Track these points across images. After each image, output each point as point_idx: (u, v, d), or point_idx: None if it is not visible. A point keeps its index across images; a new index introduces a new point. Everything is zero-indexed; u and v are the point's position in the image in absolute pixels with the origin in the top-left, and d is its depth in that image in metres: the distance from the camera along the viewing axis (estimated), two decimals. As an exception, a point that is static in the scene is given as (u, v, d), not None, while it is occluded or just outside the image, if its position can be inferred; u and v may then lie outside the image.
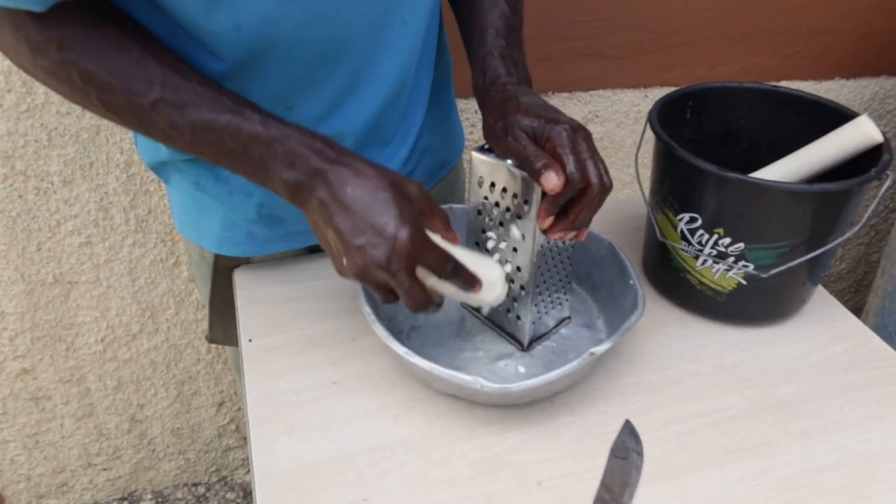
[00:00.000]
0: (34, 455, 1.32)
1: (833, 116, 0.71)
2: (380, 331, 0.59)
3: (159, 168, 0.73)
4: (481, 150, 0.61)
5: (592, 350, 0.57)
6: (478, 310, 0.71)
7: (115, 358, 1.26)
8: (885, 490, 0.56)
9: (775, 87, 0.75)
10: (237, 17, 0.55)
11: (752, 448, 0.59)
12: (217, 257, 0.77)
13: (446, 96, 0.79)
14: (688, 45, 1.15)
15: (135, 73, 0.52)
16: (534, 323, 0.65)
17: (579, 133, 0.56)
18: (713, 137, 0.77)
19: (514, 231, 0.61)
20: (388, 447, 0.59)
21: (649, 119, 0.69)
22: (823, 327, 0.71)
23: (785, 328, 0.71)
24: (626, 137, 1.22)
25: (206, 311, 0.86)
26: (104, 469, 1.39)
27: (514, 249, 0.62)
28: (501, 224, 0.62)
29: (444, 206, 0.73)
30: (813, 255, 0.64)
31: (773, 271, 0.65)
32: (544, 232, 0.59)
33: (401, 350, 0.57)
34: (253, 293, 0.75)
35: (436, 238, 0.56)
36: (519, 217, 0.60)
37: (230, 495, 1.47)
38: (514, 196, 0.60)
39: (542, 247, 0.61)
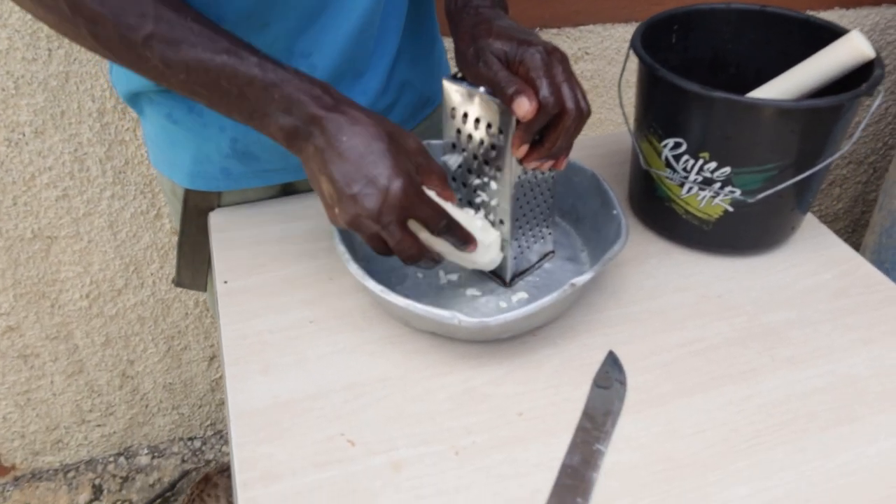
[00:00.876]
0: (27, 413, 1.31)
1: (825, 35, 0.68)
2: (354, 269, 0.57)
3: (132, 99, 0.71)
4: (453, 78, 0.58)
5: (573, 281, 0.56)
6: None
7: (102, 314, 1.24)
8: (871, 412, 0.55)
9: (763, 7, 0.72)
10: None
11: (737, 375, 0.58)
12: (188, 194, 0.75)
13: (427, 28, 0.76)
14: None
15: (126, 5, 0.49)
16: (515, 258, 0.64)
17: (554, 55, 0.53)
18: (700, 63, 0.74)
19: (490, 164, 0.59)
20: (366, 383, 0.57)
21: (632, 43, 0.66)
22: (813, 255, 0.70)
23: (773, 257, 0.69)
24: (616, 74, 1.19)
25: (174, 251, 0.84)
26: (98, 425, 1.39)
27: (492, 180, 0.60)
28: (476, 157, 0.60)
29: (423, 142, 0.71)
30: (801, 178, 0.62)
31: (761, 196, 0.62)
32: (520, 162, 0.57)
33: (377, 288, 0.55)
34: (228, 235, 0.73)
35: (431, 195, 0.55)
36: (494, 148, 0.58)
37: (226, 448, 1.47)
38: (489, 126, 0.57)
39: (519, 178, 0.59)
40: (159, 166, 0.76)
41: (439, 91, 0.81)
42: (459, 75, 0.58)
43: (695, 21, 0.72)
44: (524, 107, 0.51)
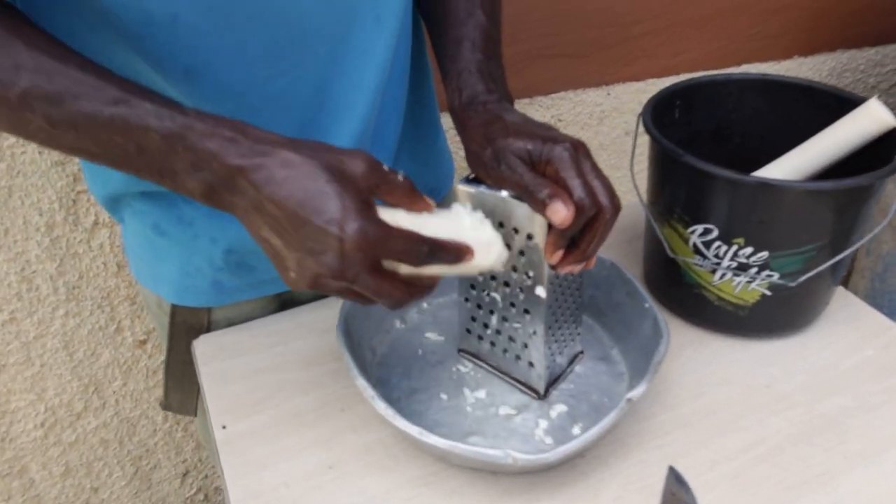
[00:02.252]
0: (-23, 563, 1.16)
1: (830, 101, 0.66)
2: (382, 408, 0.50)
3: (112, 205, 0.64)
4: (468, 181, 0.53)
5: (629, 396, 0.50)
6: (480, 358, 0.63)
7: (60, 442, 1.12)
8: (962, 510, 0.51)
9: (764, 76, 0.70)
10: (173, 5, 0.45)
11: (812, 480, 0.53)
12: (175, 310, 0.67)
13: (428, 116, 0.71)
14: (648, 36, 1.10)
15: None
16: (548, 367, 0.58)
17: (580, 151, 0.49)
18: (703, 135, 0.72)
19: (519, 271, 0.54)
20: (407, 540, 0.50)
21: (644, 123, 0.63)
22: (848, 328, 0.66)
23: (810, 335, 0.66)
24: (591, 139, 1.17)
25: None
26: (60, 565, 1.24)
27: (520, 290, 0.55)
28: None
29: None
30: (843, 256, 0.59)
31: (803, 278, 0.59)
32: (552, 268, 0.52)
33: (413, 430, 0.48)
34: (218, 368, 0.64)
35: (399, 215, 0.46)
36: (522, 254, 0.53)
37: (206, 570, 1.34)
38: (515, 231, 0.52)
39: (552, 283, 0.54)
40: (143, 280, 0.68)
41: (445, 181, 0.77)
42: (473, 177, 0.53)
43: (697, 95, 0.70)
44: (561, 213, 0.46)
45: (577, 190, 0.47)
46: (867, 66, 1.31)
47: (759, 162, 0.67)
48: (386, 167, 0.45)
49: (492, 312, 0.58)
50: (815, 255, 0.58)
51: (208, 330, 0.69)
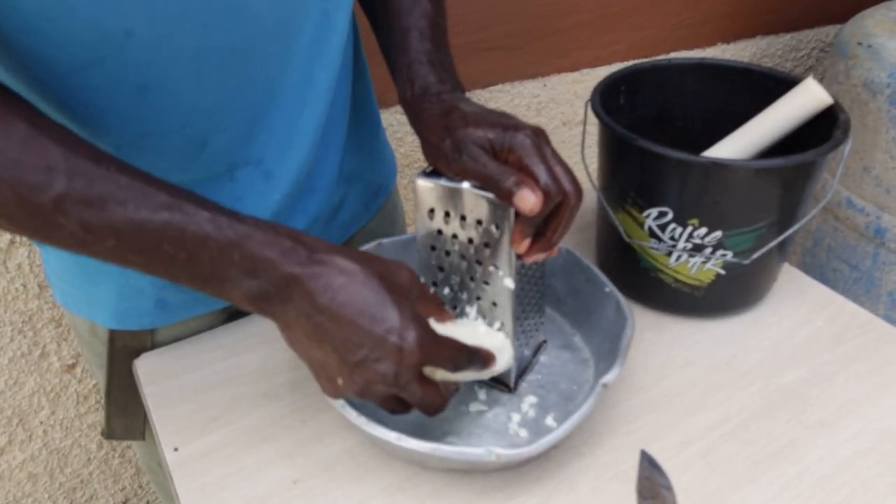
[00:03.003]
0: None
1: (767, 81, 0.68)
2: (353, 416, 0.48)
3: None
4: (426, 174, 0.51)
5: (604, 381, 0.50)
6: None
7: (-18, 481, 1.03)
8: (919, 469, 0.52)
9: (703, 60, 0.71)
10: (128, 19, 0.42)
11: (778, 453, 0.54)
12: (113, 335, 0.62)
13: (370, 111, 0.69)
14: (580, 27, 1.11)
15: (27, 158, 0.38)
16: (517, 359, 0.57)
17: (541, 137, 0.48)
18: (647, 120, 0.72)
19: (484, 263, 0.52)
20: (384, 551, 0.48)
21: (594, 110, 0.62)
22: (797, 302, 0.68)
23: (762, 311, 0.67)
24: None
25: (102, 400, 0.70)
26: None
27: (486, 283, 0.53)
28: (463, 257, 0.53)
29: (373, 243, 0.63)
30: (791, 231, 0.60)
31: (755, 255, 0.60)
32: (519, 257, 0.51)
33: (391, 436, 0.46)
34: (164, 387, 0.60)
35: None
36: (487, 246, 0.51)
37: None
38: (479, 223, 0.51)
39: (517, 274, 0.52)
40: (71, 306, 0.63)
41: (389, 177, 0.74)
42: (431, 170, 0.52)
43: (640, 80, 0.70)
44: (530, 200, 0.46)
45: (543, 176, 0.46)
46: (784, 50, 1.37)
47: (701, 144, 0.68)
48: (421, 279, 0.48)
49: (455, 308, 0.57)
50: (765, 232, 0.59)
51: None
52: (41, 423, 1.04)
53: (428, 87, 0.53)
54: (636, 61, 0.71)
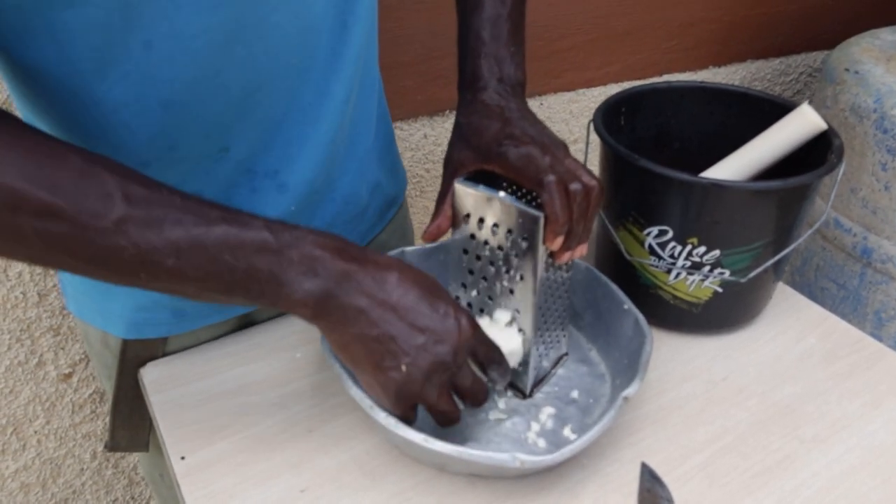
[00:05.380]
0: None
1: (764, 106, 0.70)
2: (382, 418, 0.49)
3: None
4: (466, 180, 0.54)
5: (625, 394, 0.51)
6: None
7: (-26, 491, 1.03)
8: (910, 483, 0.54)
9: (702, 84, 0.73)
10: (146, 31, 0.44)
11: (774, 466, 0.55)
12: (125, 346, 0.63)
13: (385, 122, 0.70)
14: (574, 49, 1.13)
15: (85, 189, 0.39)
16: (535, 368, 0.58)
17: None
18: (646, 141, 0.74)
19: (512, 271, 0.54)
20: (391, 560, 0.48)
21: (597, 129, 0.64)
22: (791, 320, 0.70)
23: (757, 328, 0.69)
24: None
25: (108, 412, 0.70)
26: None
27: (511, 291, 0.55)
28: (492, 263, 0.55)
29: (397, 251, 0.65)
30: (787, 251, 0.62)
31: (752, 274, 0.62)
32: (551, 255, 0.53)
33: (418, 438, 0.47)
34: (172, 396, 0.61)
35: None
36: (515, 255, 0.53)
37: None
38: (509, 232, 0.53)
39: (542, 284, 0.54)
40: (85, 317, 0.63)
41: (401, 189, 0.76)
42: (470, 177, 0.54)
43: (641, 102, 0.72)
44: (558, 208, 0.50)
45: (574, 184, 0.50)
46: (773, 75, 1.40)
47: (698, 166, 0.70)
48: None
49: (482, 311, 0.58)
50: (761, 251, 0.61)
51: None
52: (35, 432, 1.04)
53: (477, 80, 0.56)
54: (633, 83, 0.73)
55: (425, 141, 1.12)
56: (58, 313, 0.97)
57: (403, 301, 0.45)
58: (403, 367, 0.45)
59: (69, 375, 1.02)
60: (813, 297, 1.13)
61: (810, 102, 0.65)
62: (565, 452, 0.47)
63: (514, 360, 0.54)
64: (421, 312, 0.45)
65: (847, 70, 1.05)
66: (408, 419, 0.49)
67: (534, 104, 1.15)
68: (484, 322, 0.54)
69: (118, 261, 0.41)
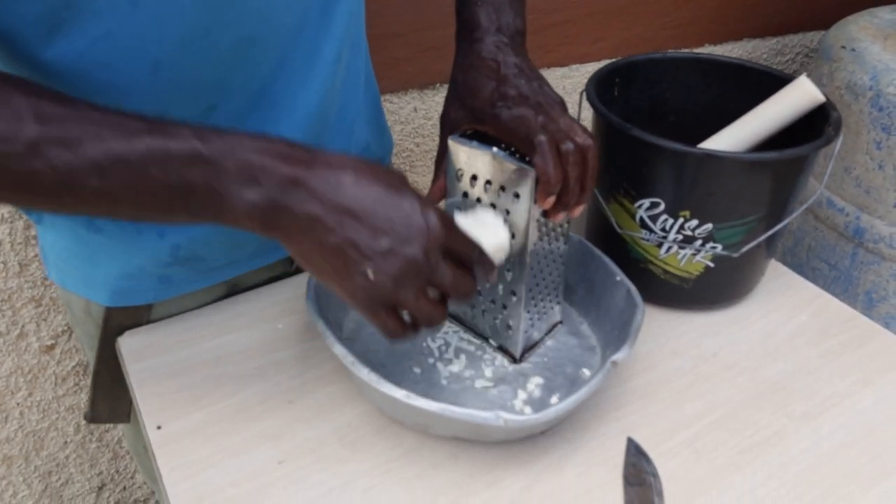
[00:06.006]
0: None
1: (761, 79, 0.68)
2: (365, 374, 0.48)
3: None
4: (462, 137, 0.53)
5: (614, 359, 0.50)
6: (459, 319, 0.62)
7: (-46, 462, 1.01)
8: (899, 460, 0.53)
9: (698, 54, 0.72)
10: None
11: (763, 442, 0.54)
12: (109, 314, 0.61)
13: (371, 83, 0.69)
14: (569, 23, 1.11)
15: None
16: (526, 332, 0.57)
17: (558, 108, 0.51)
18: (640, 113, 0.73)
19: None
20: (371, 532, 0.47)
21: (589, 100, 0.63)
22: (784, 297, 0.69)
23: (750, 304, 0.68)
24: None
25: (89, 382, 0.69)
26: None
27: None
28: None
29: None
30: (780, 226, 0.61)
31: (745, 249, 0.60)
32: (545, 214, 0.51)
33: (399, 394, 0.46)
34: (149, 365, 0.59)
35: None
36: (507, 212, 0.52)
37: (126, 589, 1.25)
38: (502, 189, 0.51)
39: (534, 245, 0.53)
40: (68, 284, 0.62)
41: (387, 151, 0.75)
42: (468, 133, 0.53)
43: (635, 72, 0.70)
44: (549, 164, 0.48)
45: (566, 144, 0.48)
46: (769, 54, 1.38)
47: (693, 140, 0.68)
48: None
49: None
50: (755, 226, 0.60)
51: None
52: (18, 404, 1.02)
53: (474, 30, 0.55)
54: (629, 56, 0.71)
55: (415, 115, 1.10)
56: (39, 284, 0.95)
57: (362, 202, 0.40)
58: (370, 274, 0.41)
59: (52, 347, 1.01)
60: (804, 277, 1.12)
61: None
62: (549, 413, 0.46)
63: (500, 256, 0.50)
64: (382, 213, 0.41)
65: (843, 48, 1.04)
66: (390, 330, 0.45)
67: (527, 78, 1.13)
68: (465, 220, 0.51)
69: (38, 185, 0.38)
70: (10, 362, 0.98)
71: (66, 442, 1.10)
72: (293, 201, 0.40)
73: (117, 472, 1.18)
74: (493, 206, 0.53)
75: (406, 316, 0.45)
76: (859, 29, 1.07)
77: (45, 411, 1.05)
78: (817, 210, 1.09)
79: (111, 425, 1.10)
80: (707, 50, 1.29)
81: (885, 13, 1.12)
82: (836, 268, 1.07)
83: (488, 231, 0.50)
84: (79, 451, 1.12)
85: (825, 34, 1.15)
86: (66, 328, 1.00)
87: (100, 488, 1.18)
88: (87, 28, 0.43)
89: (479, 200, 0.53)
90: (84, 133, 0.38)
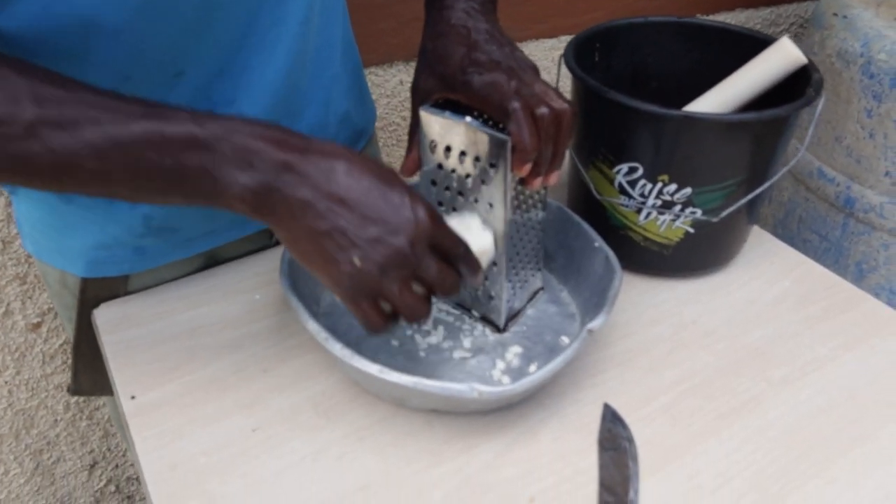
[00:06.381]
0: None
1: (744, 42, 0.67)
2: (338, 349, 0.47)
3: None
4: (433, 107, 0.51)
5: (589, 327, 0.50)
6: None
7: (-56, 441, 1.02)
8: (877, 424, 0.53)
9: (680, 19, 0.70)
10: None
11: (741, 407, 0.54)
12: (85, 284, 0.61)
13: (353, 51, 0.68)
14: (557, -7, 1.09)
15: None
16: (508, 301, 0.57)
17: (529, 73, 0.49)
18: (621, 80, 0.71)
19: (481, 200, 0.52)
20: (342, 498, 0.47)
21: (567, 64, 0.61)
22: (767, 264, 0.68)
23: (732, 272, 0.67)
24: (506, 98, 1.15)
25: (70, 355, 0.69)
26: (-47, 575, 1.13)
27: (482, 222, 0.53)
28: (461, 193, 0.53)
29: None
30: (761, 190, 0.60)
31: (724, 213, 0.60)
32: (522, 182, 0.51)
33: (373, 369, 0.46)
34: (124, 337, 0.59)
35: None
36: (483, 182, 0.51)
37: (122, 566, 1.26)
38: (477, 159, 0.50)
39: (513, 214, 0.53)
40: (43, 255, 0.61)
41: (370, 121, 0.74)
42: (439, 102, 0.52)
43: (615, 38, 0.69)
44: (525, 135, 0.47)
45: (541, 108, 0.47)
46: (763, 25, 1.36)
47: (676, 105, 0.67)
48: None
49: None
50: (734, 190, 0.59)
51: None
52: (6, 382, 1.02)
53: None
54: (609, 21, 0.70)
55: (401, 87, 1.09)
56: (23, 261, 0.94)
57: (353, 191, 0.41)
58: (356, 261, 0.42)
59: (38, 325, 1.01)
60: (795, 248, 1.12)
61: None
62: (524, 383, 0.46)
63: (485, 259, 0.51)
64: (372, 203, 0.41)
65: (835, 15, 1.02)
66: (371, 322, 0.45)
67: (514, 50, 1.12)
68: (452, 221, 0.51)
69: (37, 167, 0.39)
70: (-4, 340, 0.98)
71: (56, 420, 1.10)
72: (286, 186, 0.41)
73: (108, 449, 1.18)
74: (476, 200, 0.53)
75: (387, 307, 0.45)
76: (852, -4, 1.05)
77: (34, 389, 1.05)
78: (808, 181, 1.08)
79: (101, 403, 1.10)
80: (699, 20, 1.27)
81: (879, -20, 1.10)
82: (826, 238, 1.06)
83: (473, 234, 0.51)
84: (69, 430, 1.12)
85: (818, 2, 1.13)
86: (52, 306, 0.99)
87: (92, 466, 1.18)
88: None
89: (453, 171, 0.52)
90: (81, 116, 0.38)
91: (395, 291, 0.43)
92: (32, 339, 1.01)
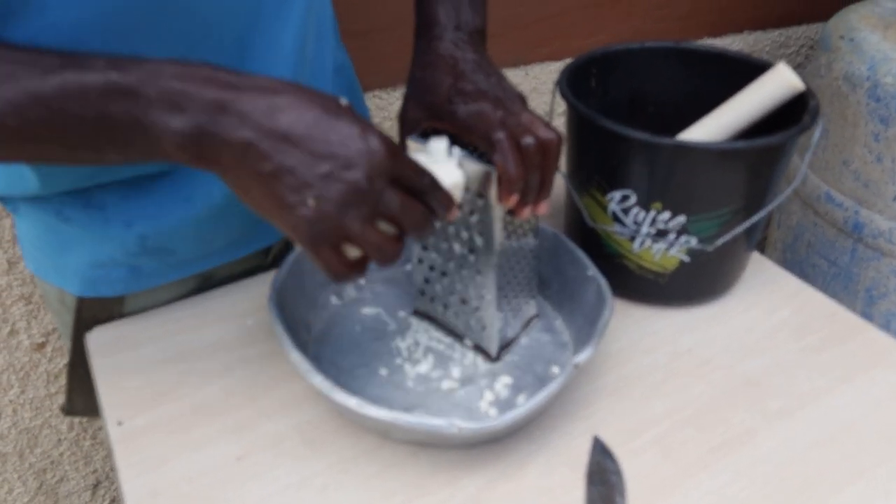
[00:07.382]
0: None
1: (741, 68, 0.66)
2: (318, 381, 0.47)
3: (4, 196, 0.58)
4: (421, 137, 0.51)
5: (576, 361, 0.49)
6: (435, 320, 0.61)
7: (-51, 459, 1.02)
8: (876, 462, 0.51)
9: (677, 44, 0.70)
10: None
11: (734, 440, 0.53)
12: (81, 304, 0.61)
13: (348, 72, 0.69)
14: (561, 16, 1.09)
15: None
16: (500, 329, 0.56)
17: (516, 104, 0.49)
18: (619, 105, 0.71)
19: (471, 230, 0.52)
20: (323, 530, 0.47)
21: (561, 91, 0.61)
22: (766, 292, 0.67)
23: (730, 300, 0.66)
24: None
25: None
26: None
27: (471, 251, 0.53)
28: (451, 224, 0.53)
29: None
30: (757, 218, 0.59)
31: (720, 241, 0.59)
32: (510, 213, 0.50)
33: (351, 402, 0.45)
34: (114, 361, 0.59)
35: None
36: (472, 213, 0.51)
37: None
38: (466, 190, 0.50)
39: (501, 244, 0.52)
40: (42, 274, 0.62)
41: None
42: (425, 133, 0.52)
43: (613, 63, 0.69)
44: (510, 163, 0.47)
45: (526, 139, 0.47)
46: (772, 47, 1.35)
47: (674, 130, 0.67)
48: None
49: (444, 274, 0.56)
50: (730, 218, 0.58)
51: None
52: (10, 401, 1.03)
53: (431, 28, 0.54)
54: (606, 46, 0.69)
55: (405, 110, 1.09)
56: (29, 281, 0.95)
57: (297, 126, 0.38)
58: (311, 202, 0.39)
59: (42, 345, 1.01)
60: (804, 274, 1.10)
61: (804, 73, 0.61)
62: (507, 419, 0.45)
63: (457, 193, 0.48)
64: (321, 137, 0.38)
65: (842, 38, 1.01)
66: (333, 269, 0.42)
67: (519, 73, 1.12)
68: (419, 156, 0.48)
69: None
70: (1, 360, 0.99)
71: (59, 440, 1.10)
72: (223, 128, 0.38)
73: (112, 469, 1.18)
74: (467, 229, 0.52)
75: (354, 253, 0.43)
76: (860, 18, 1.04)
77: (38, 409, 1.06)
78: (816, 205, 1.06)
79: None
80: (707, 43, 1.26)
81: (888, 2, 1.09)
82: (835, 264, 1.04)
83: (441, 167, 0.47)
84: (73, 449, 1.13)
85: (825, 24, 1.12)
86: (56, 326, 1.00)
87: (95, 486, 1.18)
88: (32, 19, 0.42)
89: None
90: None
91: (357, 230, 0.40)
92: (37, 359, 1.02)
